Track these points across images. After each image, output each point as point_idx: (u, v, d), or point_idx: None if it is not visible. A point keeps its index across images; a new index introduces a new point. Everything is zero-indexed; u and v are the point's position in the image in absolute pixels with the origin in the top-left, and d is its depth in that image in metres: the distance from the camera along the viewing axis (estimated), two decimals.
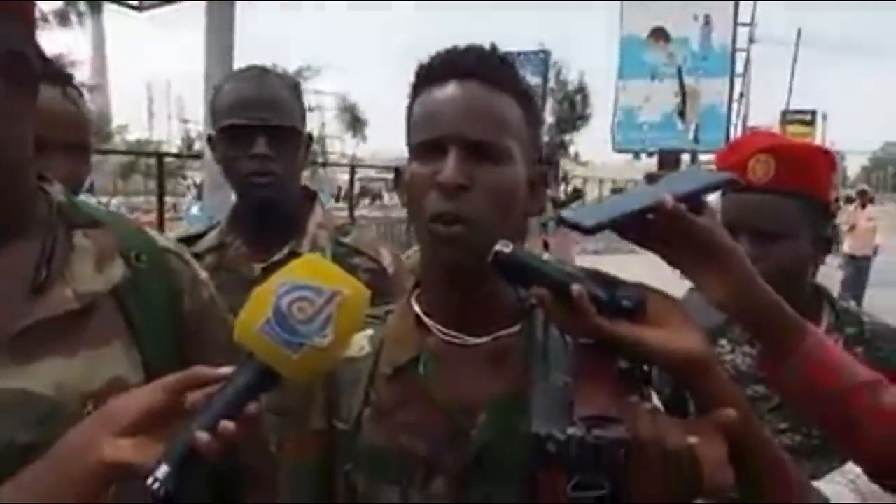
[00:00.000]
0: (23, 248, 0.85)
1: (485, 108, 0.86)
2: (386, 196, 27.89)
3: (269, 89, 1.50)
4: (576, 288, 0.74)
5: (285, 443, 1.01)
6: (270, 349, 0.73)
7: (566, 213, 0.79)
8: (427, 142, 0.87)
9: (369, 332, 0.94)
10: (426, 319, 0.93)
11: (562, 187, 27.21)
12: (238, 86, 1.52)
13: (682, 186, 0.80)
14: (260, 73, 1.58)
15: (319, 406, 0.96)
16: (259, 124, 1.45)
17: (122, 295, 0.90)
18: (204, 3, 5.96)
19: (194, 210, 12.54)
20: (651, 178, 0.83)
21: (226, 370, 0.74)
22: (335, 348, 0.75)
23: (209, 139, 1.58)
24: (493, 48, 0.93)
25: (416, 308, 0.95)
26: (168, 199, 10.77)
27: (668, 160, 19.59)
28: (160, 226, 8.79)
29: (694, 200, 0.79)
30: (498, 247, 0.76)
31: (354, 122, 34.11)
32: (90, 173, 1.56)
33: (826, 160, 1.34)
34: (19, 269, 0.84)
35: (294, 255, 1.47)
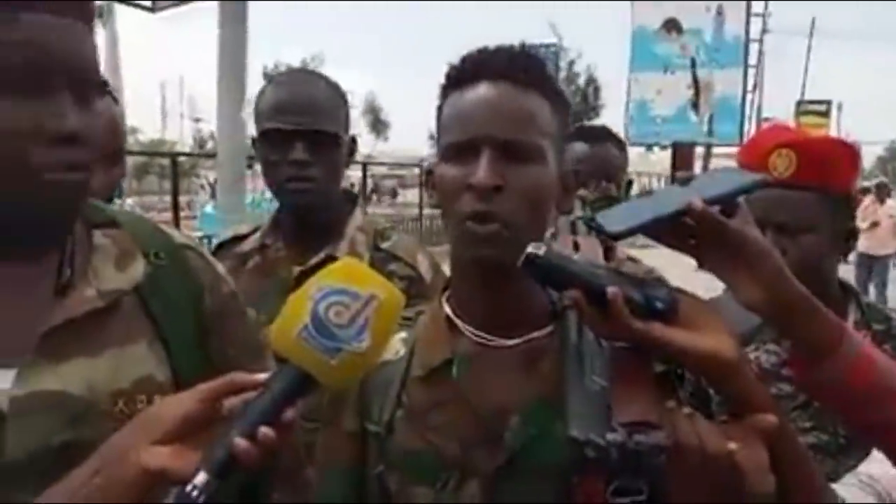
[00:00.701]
0: (46, 250, 0.86)
1: (515, 109, 0.86)
2: (399, 193, 27.88)
3: (311, 93, 1.50)
4: (611, 290, 0.73)
5: (318, 444, 1.01)
6: (308, 355, 0.72)
7: (594, 217, 0.78)
8: (458, 143, 0.87)
9: (403, 334, 0.95)
10: (457, 321, 0.93)
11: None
12: (280, 89, 1.52)
13: (713, 189, 0.79)
14: (303, 77, 1.58)
15: (351, 408, 0.96)
16: (298, 129, 1.45)
17: (143, 293, 0.90)
18: (216, 2, 5.98)
19: (208, 209, 12.62)
20: (683, 181, 0.82)
21: (262, 376, 0.74)
22: (372, 353, 0.75)
23: (253, 141, 1.57)
24: (523, 47, 0.92)
25: (447, 310, 0.94)
26: (182, 199, 10.83)
27: (682, 153, 19.48)
28: (175, 225, 8.86)
29: (726, 202, 0.78)
30: (531, 249, 0.76)
31: (377, 123, 34.24)
32: (125, 177, 1.57)
33: (847, 153, 1.33)
34: (43, 270, 0.85)
35: (331, 258, 1.47)
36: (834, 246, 1.31)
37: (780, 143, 1.27)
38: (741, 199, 0.81)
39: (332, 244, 1.51)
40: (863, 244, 8.49)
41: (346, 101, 1.59)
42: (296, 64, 31.84)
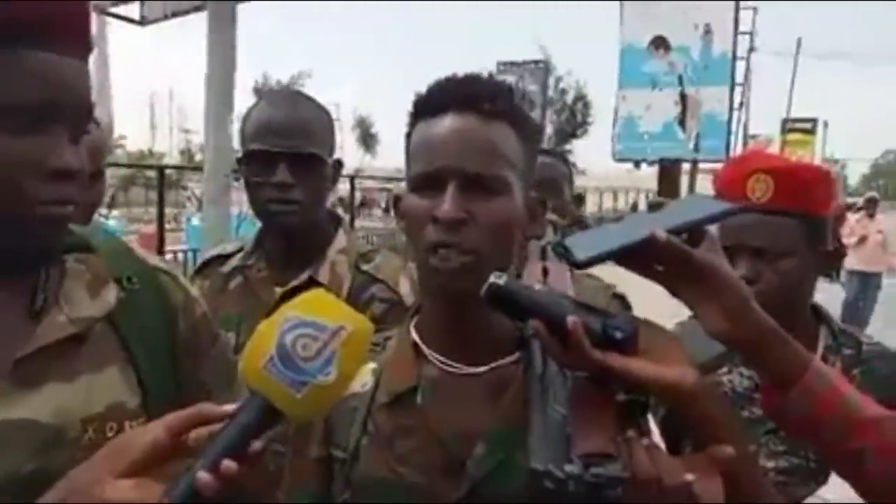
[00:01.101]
0: (23, 276, 0.86)
1: (481, 141, 0.87)
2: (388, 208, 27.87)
3: (295, 115, 1.50)
4: (570, 320, 0.74)
5: (286, 469, 1.02)
6: (274, 388, 0.73)
7: (563, 243, 0.79)
8: (425, 174, 0.88)
9: (373, 365, 0.95)
10: (424, 348, 0.94)
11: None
12: (265, 110, 1.52)
13: (681, 217, 0.80)
14: (289, 98, 1.58)
15: (318, 434, 0.97)
16: (281, 151, 1.45)
17: (116, 319, 0.90)
18: (206, 13, 5.98)
19: (195, 221, 12.56)
20: (653, 207, 0.83)
21: (229, 407, 0.74)
22: (339, 385, 0.75)
23: (238, 161, 1.58)
24: (490, 76, 0.93)
25: (415, 335, 0.95)
26: (169, 211, 10.77)
27: (669, 169, 19.61)
28: (160, 237, 8.81)
29: (693, 230, 0.79)
30: (492, 279, 0.77)
31: (366, 137, 34.34)
32: (103, 196, 1.56)
33: (824, 177, 1.35)
34: (16, 293, 0.85)
35: (312, 280, 1.48)
36: (810, 270, 1.33)
37: (757, 167, 1.29)
38: (711, 227, 0.82)
39: (313, 266, 1.51)
40: (852, 261, 8.34)
41: (332, 123, 1.60)
42: (284, 80, 31.90)
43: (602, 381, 0.78)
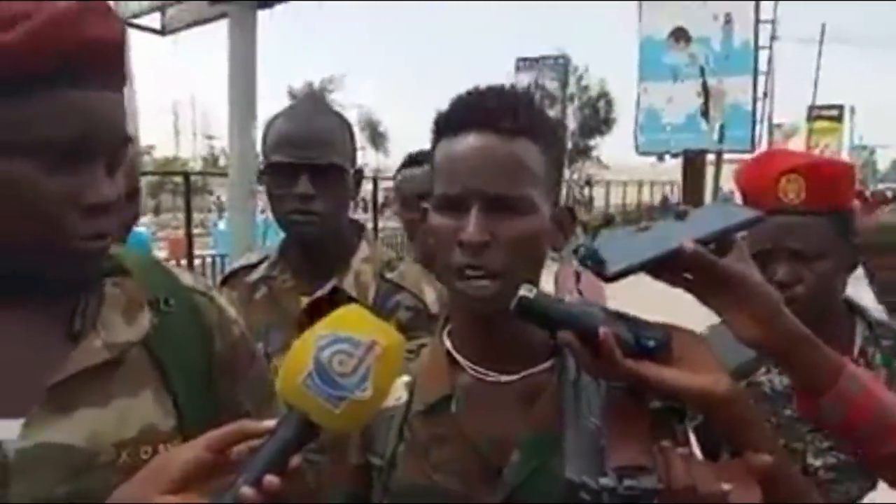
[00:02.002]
0: (61, 301, 0.87)
1: (503, 161, 0.86)
2: None
3: (316, 126, 1.51)
4: (602, 330, 0.74)
5: (324, 476, 1.03)
6: (313, 403, 0.74)
7: (591, 255, 0.79)
8: (448, 196, 0.88)
9: (406, 378, 0.96)
10: (457, 356, 0.94)
11: (585, 190, 27.12)
12: (286, 122, 1.53)
13: (708, 226, 0.80)
14: (309, 109, 1.58)
15: (356, 441, 0.98)
16: (302, 162, 1.46)
17: (151, 342, 0.91)
18: (226, 21, 6.04)
19: (221, 226, 12.70)
20: (678, 215, 0.82)
21: (269, 423, 0.76)
22: (375, 400, 0.76)
23: (260, 173, 1.59)
24: (511, 88, 0.94)
25: (448, 344, 0.96)
26: (195, 216, 10.91)
27: (693, 161, 19.44)
28: (189, 242, 8.92)
29: (721, 239, 0.79)
30: (521, 291, 0.77)
31: (375, 136, 34.51)
32: (139, 214, 1.59)
33: (850, 172, 1.35)
34: (53, 316, 0.86)
35: (336, 290, 1.49)
36: (843, 266, 1.32)
37: (787, 168, 1.28)
38: (738, 235, 0.82)
39: (338, 276, 1.52)
40: None
41: (352, 133, 1.61)
42: (315, 83, 32.13)
43: (636, 390, 0.78)
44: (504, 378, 0.91)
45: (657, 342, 0.76)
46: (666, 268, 0.79)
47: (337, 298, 1.49)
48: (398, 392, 0.91)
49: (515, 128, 0.87)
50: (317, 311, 1.44)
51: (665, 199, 28.50)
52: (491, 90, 0.92)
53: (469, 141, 0.87)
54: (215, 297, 1.02)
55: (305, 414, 0.75)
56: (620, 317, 0.79)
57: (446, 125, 0.91)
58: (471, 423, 0.90)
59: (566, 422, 0.81)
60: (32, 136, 0.77)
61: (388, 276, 1.55)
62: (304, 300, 1.51)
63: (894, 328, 1.34)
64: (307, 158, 1.46)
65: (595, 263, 0.78)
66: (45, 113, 0.77)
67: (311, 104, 1.60)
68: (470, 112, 0.89)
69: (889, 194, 9.67)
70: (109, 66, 0.82)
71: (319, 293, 1.50)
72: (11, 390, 0.82)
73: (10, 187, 0.78)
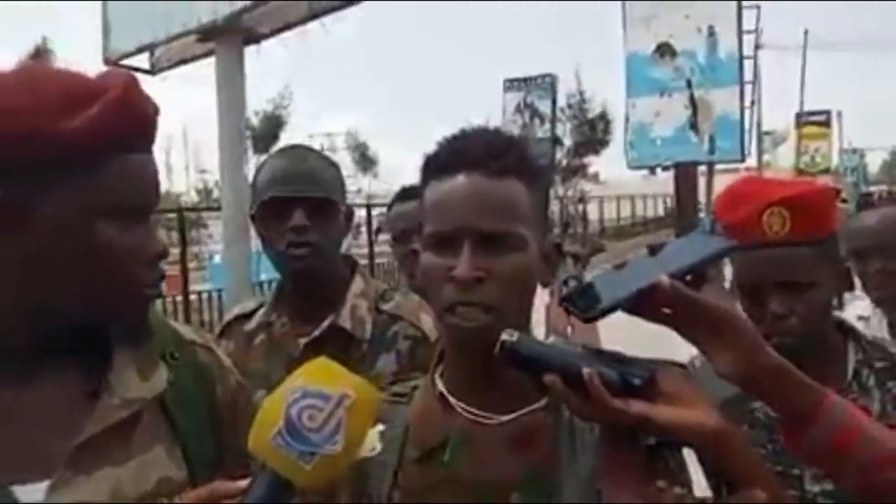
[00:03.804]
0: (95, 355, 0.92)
1: (493, 199, 0.88)
2: None
3: (306, 164, 1.56)
4: (587, 372, 0.74)
5: None
6: (283, 460, 0.74)
7: (569, 298, 0.79)
8: (440, 233, 0.89)
9: (381, 427, 0.95)
10: (451, 399, 0.94)
11: (580, 208, 27.18)
12: (276, 162, 1.57)
13: (682, 259, 0.80)
14: (298, 151, 1.64)
15: (349, 483, 0.98)
16: (296, 196, 1.49)
17: (164, 398, 0.94)
18: (214, 58, 6.08)
19: (216, 260, 12.67)
20: (653, 250, 0.83)
21: (241, 484, 0.76)
22: (347, 454, 0.77)
23: (252, 218, 1.61)
24: (498, 130, 0.95)
25: (441, 386, 0.96)
26: (190, 249, 10.88)
27: (685, 173, 19.47)
28: (185, 279, 8.91)
29: (696, 271, 0.80)
30: (503, 337, 0.77)
31: (364, 161, 34.63)
32: None
33: (831, 197, 1.34)
34: (72, 376, 0.90)
35: (334, 328, 1.51)
36: (832, 291, 1.32)
37: (770, 201, 1.27)
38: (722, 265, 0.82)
39: (334, 313, 1.53)
40: None
41: (341, 175, 1.65)
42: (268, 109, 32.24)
43: (628, 429, 0.77)
44: (498, 419, 0.91)
45: (643, 379, 0.76)
46: (643, 304, 0.79)
47: (334, 336, 1.50)
48: (372, 443, 0.90)
49: (503, 168, 0.89)
50: (317, 351, 1.48)
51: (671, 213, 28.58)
52: (477, 132, 0.94)
53: (459, 181, 0.89)
54: (213, 348, 1.07)
55: (277, 471, 0.74)
56: (604, 355, 0.79)
57: (435, 166, 0.92)
58: (467, 467, 0.90)
59: (561, 463, 0.82)
60: (109, 199, 0.87)
61: (384, 307, 1.57)
62: (303, 341, 1.51)
63: (887, 349, 1.32)
64: (300, 191, 1.49)
65: (573, 306, 0.79)
66: (118, 178, 0.88)
67: (300, 148, 1.65)
68: (458, 154, 0.91)
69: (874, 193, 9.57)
70: (152, 132, 0.94)
71: (318, 332, 1.52)
72: (34, 453, 0.85)
73: (100, 247, 0.87)
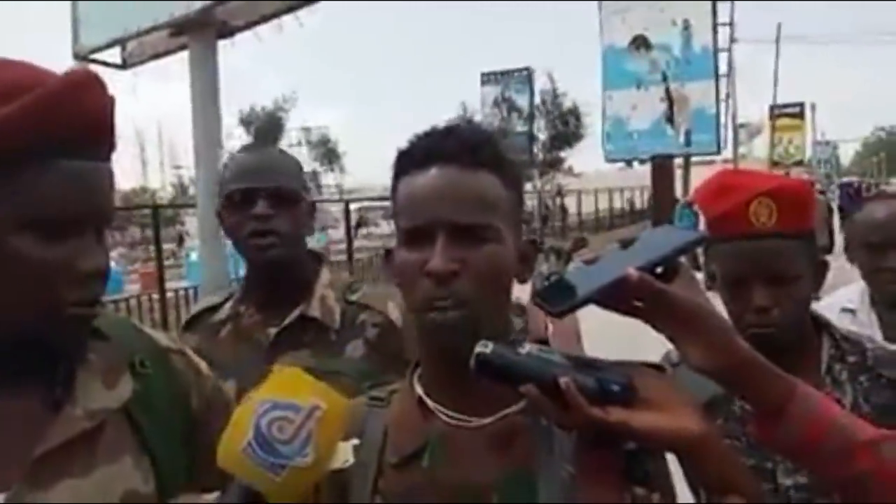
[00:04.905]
0: (44, 370, 0.87)
1: (468, 191, 0.86)
2: (383, 224, 27.97)
3: (269, 157, 1.58)
4: (563, 381, 0.73)
5: None
6: (253, 472, 0.73)
7: (540, 294, 0.78)
8: (413, 228, 0.87)
9: (354, 441, 0.90)
10: (429, 402, 0.92)
11: (557, 201, 27.33)
12: (239, 158, 1.60)
13: (653, 251, 0.79)
14: (260, 147, 1.68)
15: (329, 487, 0.95)
16: (259, 186, 1.51)
17: (130, 407, 0.90)
18: (187, 53, 6.01)
19: (193, 257, 12.57)
20: (624, 243, 0.82)
21: (211, 497, 0.74)
22: (318, 466, 0.75)
23: (218, 215, 1.63)
24: (472, 125, 0.93)
25: (419, 390, 0.94)
26: (166, 247, 10.78)
27: (662, 166, 19.66)
28: (160, 276, 8.81)
29: (667, 263, 0.78)
30: (478, 349, 0.75)
31: (329, 154, 34.64)
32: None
33: (812, 192, 1.35)
34: (33, 388, 0.86)
35: (304, 318, 1.52)
36: (814, 286, 1.32)
37: (758, 192, 1.26)
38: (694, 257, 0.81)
39: (303, 303, 1.55)
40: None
41: (302, 169, 1.66)
42: (269, 106, 32.26)
43: (605, 436, 0.76)
44: (478, 422, 0.89)
45: (621, 386, 0.75)
46: (615, 297, 0.78)
47: (304, 325, 1.51)
48: (345, 455, 0.86)
49: (477, 161, 0.87)
50: (287, 340, 1.51)
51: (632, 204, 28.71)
52: (450, 128, 0.92)
53: (432, 174, 0.87)
54: (188, 354, 1.03)
55: (248, 484, 0.73)
56: (580, 362, 0.78)
57: (407, 162, 0.90)
58: (446, 471, 0.88)
59: (540, 468, 0.80)
60: (29, 208, 0.79)
61: (352, 297, 1.59)
62: (273, 331, 1.53)
63: (861, 343, 1.32)
64: (262, 183, 1.52)
65: (543, 301, 0.78)
66: (40, 185, 0.79)
67: (261, 145, 1.72)
68: (432, 148, 0.89)
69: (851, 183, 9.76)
70: (99, 138, 0.85)
71: (288, 320, 1.53)
72: None
73: (15, 260, 0.79)
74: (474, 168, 0.87)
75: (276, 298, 1.56)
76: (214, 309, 1.64)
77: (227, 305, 1.63)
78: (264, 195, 1.51)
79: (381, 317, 1.55)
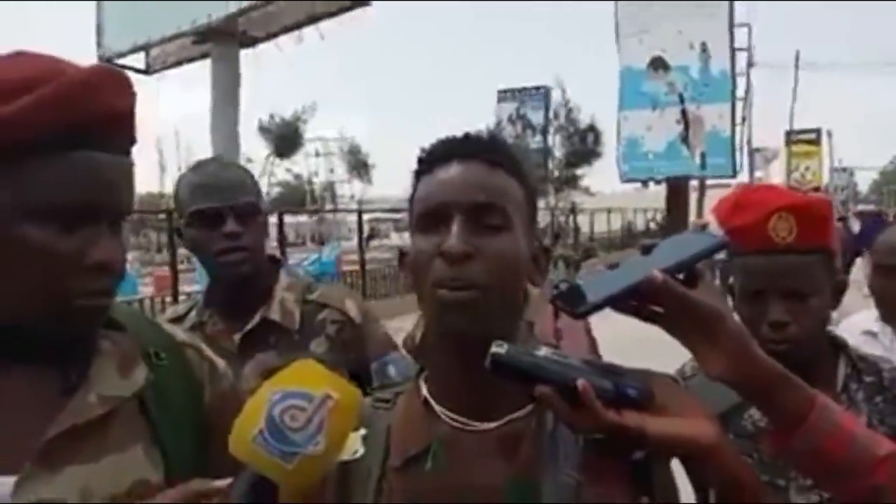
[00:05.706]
0: (57, 357, 0.87)
1: (487, 179, 0.87)
2: (394, 236, 27.98)
3: (229, 173, 1.65)
4: (580, 383, 0.72)
5: None
6: (265, 460, 0.74)
7: (559, 295, 0.78)
8: (430, 210, 0.87)
9: (363, 431, 0.90)
10: (435, 405, 0.92)
11: (570, 219, 27.31)
12: (199, 175, 1.64)
13: (674, 256, 0.78)
14: (216, 162, 1.74)
15: (332, 487, 0.96)
16: (226, 204, 1.56)
17: (143, 397, 0.91)
18: (209, 60, 6.08)
19: None
20: (645, 249, 0.81)
21: (223, 482, 0.75)
22: (329, 455, 0.76)
23: (178, 231, 1.69)
24: (492, 134, 0.95)
25: (425, 392, 0.94)
26: (181, 252, 10.82)
27: (677, 187, 19.59)
28: (174, 280, 8.86)
29: (688, 268, 0.78)
30: (493, 348, 0.75)
31: (359, 165, 34.67)
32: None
33: (832, 210, 1.34)
34: (47, 371, 0.86)
35: (265, 321, 1.59)
36: (829, 303, 1.32)
37: (777, 207, 1.26)
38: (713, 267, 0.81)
39: (264, 307, 1.61)
40: None
41: (255, 179, 1.73)
42: (288, 116, 32.44)
43: (614, 443, 0.75)
44: (484, 426, 0.88)
45: (639, 391, 0.74)
46: (636, 301, 0.77)
47: (266, 329, 1.56)
48: (355, 446, 0.87)
49: (496, 161, 0.89)
50: (251, 344, 1.58)
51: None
52: (472, 134, 0.93)
53: (452, 168, 0.88)
54: (204, 350, 1.04)
55: (259, 472, 0.74)
56: (597, 365, 0.77)
57: (429, 161, 0.91)
58: (450, 475, 0.87)
59: (544, 474, 0.80)
60: (43, 198, 0.80)
61: (311, 297, 1.67)
62: (237, 337, 1.61)
63: (877, 365, 1.31)
64: (229, 200, 1.58)
65: (563, 302, 0.77)
66: (54, 176, 0.80)
67: (214, 160, 1.83)
68: (452, 147, 0.90)
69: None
70: (119, 130, 0.85)
71: (251, 325, 1.60)
72: (5, 447, 0.82)
73: (22, 249, 0.80)
74: (494, 166, 0.88)
75: (238, 305, 1.63)
76: (180, 319, 1.69)
77: (192, 314, 1.68)
78: (231, 213, 1.56)
79: (340, 314, 1.63)
